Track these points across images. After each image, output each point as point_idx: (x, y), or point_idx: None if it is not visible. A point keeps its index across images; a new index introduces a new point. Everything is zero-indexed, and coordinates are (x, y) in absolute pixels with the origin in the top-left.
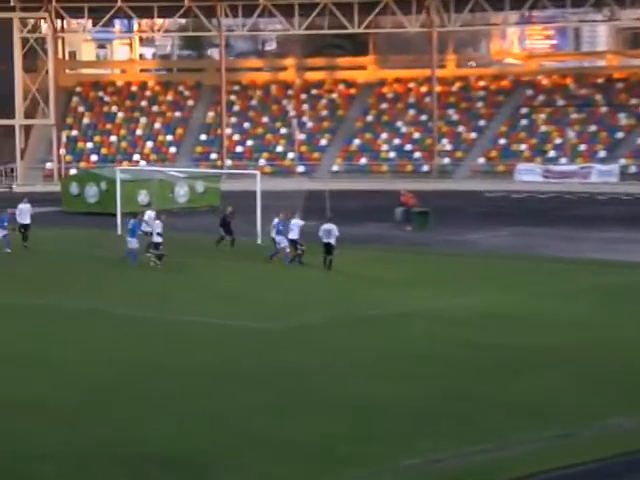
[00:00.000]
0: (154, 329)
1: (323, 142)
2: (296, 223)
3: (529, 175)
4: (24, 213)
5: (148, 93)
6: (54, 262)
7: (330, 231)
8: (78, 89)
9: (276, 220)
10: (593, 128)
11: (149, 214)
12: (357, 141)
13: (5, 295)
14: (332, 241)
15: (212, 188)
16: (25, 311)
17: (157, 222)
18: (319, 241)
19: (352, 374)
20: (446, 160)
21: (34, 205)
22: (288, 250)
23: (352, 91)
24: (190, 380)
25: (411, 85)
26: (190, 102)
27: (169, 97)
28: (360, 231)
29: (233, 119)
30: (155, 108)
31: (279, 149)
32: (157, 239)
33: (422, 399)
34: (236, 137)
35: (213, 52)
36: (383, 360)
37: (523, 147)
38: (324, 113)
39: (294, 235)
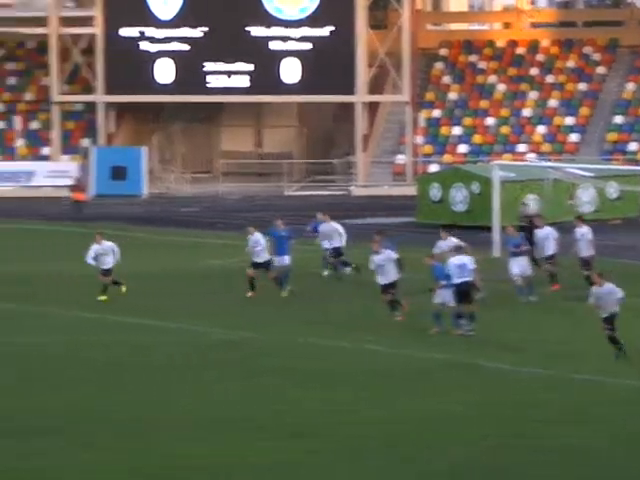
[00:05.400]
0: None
1: None
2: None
3: None
4: None
5: (540, 57)
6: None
7: None
8: (443, 52)
9: None
10: None
11: None
12: None
13: None
14: None
15: (630, 192)
16: None
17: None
18: None
19: None
20: None
21: (376, 214)
22: None
23: None
24: None
25: None
26: (601, 69)
27: (570, 63)
28: None
29: None
30: (550, 78)
31: None
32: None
33: None
34: None
35: None
36: None
37: None
38: None
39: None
